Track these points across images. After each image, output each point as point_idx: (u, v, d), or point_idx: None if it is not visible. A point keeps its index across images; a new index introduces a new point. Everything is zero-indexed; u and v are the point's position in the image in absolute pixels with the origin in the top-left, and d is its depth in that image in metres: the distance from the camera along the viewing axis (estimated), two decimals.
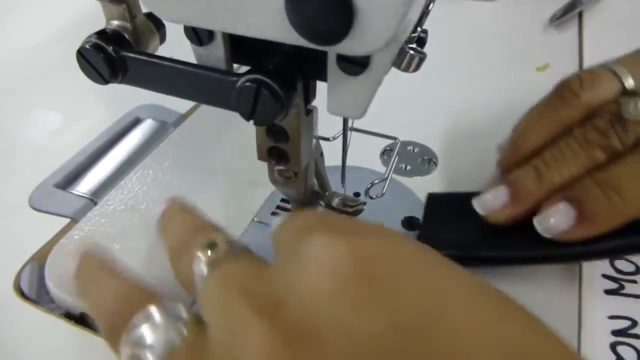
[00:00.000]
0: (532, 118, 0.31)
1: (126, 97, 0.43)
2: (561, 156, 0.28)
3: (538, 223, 0.28)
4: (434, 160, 0.39)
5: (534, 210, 0.28)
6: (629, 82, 0.29)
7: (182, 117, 0.43)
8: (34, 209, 0.36)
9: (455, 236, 0.30)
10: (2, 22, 0.58)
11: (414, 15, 0.22)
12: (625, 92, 0.29)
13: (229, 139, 0.41)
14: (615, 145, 0.27)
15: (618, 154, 0.27)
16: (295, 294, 0.17)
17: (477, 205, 0.30)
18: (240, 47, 0.23)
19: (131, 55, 0.25)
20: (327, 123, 0.28)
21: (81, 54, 0.24)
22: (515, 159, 0.30)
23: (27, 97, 0.47)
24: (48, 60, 0.51)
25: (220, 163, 0.39)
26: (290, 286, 0.17)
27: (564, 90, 0.30)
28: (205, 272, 0.20)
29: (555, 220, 0.27)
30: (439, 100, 0.45)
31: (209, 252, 0.20)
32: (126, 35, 0.26)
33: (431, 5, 0.24)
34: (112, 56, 0.24)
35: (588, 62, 0.49)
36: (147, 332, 0.19)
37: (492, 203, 0.29)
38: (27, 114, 0.45)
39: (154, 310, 0.20)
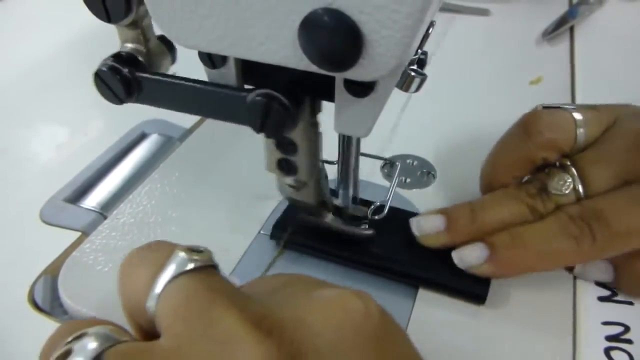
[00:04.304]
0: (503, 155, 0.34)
1: (132, 112, 0.44)
2: (497, 203, 0.32)
3: (456, 253, 0.31)
4: (433, 173, 0.40)
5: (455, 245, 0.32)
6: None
7: (188, 132, 0.45)
8: (45, 222, 0.36)
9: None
10: (9, 37, 0.59)
11: (417, 41, 0.23)
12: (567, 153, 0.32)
13: (234, 152, 0.42)
14: (538, 209, 0.31)
15: (540, 215, 0.31)
16: (303, 325, 0.19)
17: (413, 225, 0.33)
18: (251, 69, 0.25)
19: (145, 75, 0.26)
20: (332, 147, 0.29)
21: (98, 76, 0.26)
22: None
23: (33, 112, 0.48)
24: (55, 75, 0.52)
25: (226, 176, 0.40)
26: (297, 317, 0.19)
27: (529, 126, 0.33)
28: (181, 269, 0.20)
29: (469, 254, 0.31)
30: (436, 114, 0.46)
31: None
32: (140, 58, 0.27)
33: (431, 29, 0.25)
34: (127, 77, 0.26)
35: (580, 75, 0.51)
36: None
37: (426, 227, 0.33)
38: (34, 129, 0.46)
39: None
